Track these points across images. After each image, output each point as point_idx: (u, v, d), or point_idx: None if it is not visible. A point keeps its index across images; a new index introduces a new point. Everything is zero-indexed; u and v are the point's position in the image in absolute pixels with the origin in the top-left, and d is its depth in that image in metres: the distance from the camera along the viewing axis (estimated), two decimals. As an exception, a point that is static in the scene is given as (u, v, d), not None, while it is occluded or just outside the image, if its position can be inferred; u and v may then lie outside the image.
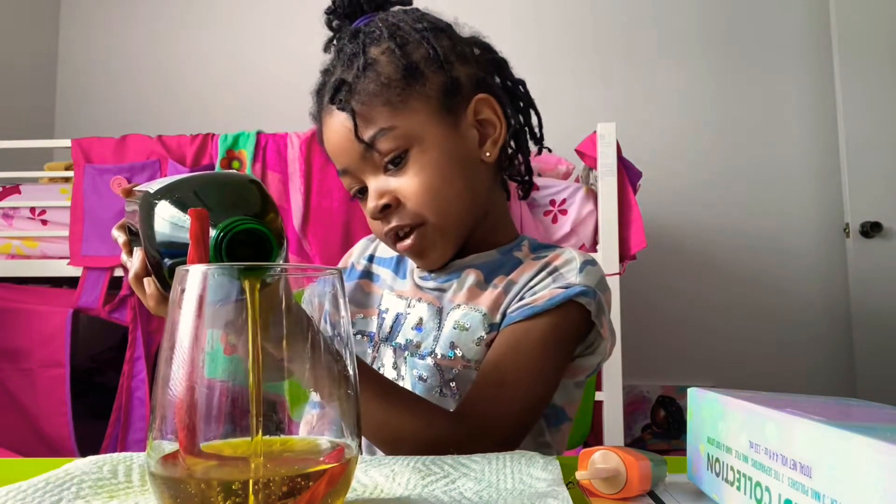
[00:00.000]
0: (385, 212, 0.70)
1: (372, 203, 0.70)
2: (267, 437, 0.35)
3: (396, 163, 0.69)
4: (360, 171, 0.71)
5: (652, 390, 2.43)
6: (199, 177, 0.49)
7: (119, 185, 1.83)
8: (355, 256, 0.89)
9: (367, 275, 0.85)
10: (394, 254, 0.84)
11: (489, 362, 0.67)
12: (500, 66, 0.79)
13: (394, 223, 0.71)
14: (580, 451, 0.44)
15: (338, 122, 0.71)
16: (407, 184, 0.69)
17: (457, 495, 0.41)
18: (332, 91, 0.70)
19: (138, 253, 0.53)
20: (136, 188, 0.52)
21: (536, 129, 0.80)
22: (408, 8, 0.76)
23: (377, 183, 0.71)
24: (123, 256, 0.57)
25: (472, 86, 0.73)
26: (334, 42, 0.77)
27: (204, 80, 2.73)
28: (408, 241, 0.71)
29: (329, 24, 0.78)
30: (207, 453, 0.34)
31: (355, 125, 0.68)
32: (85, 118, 2.71)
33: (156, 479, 0.34)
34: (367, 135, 0.68)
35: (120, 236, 0.57)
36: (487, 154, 0.74)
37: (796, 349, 2.47)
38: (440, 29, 0.74)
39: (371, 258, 0.87)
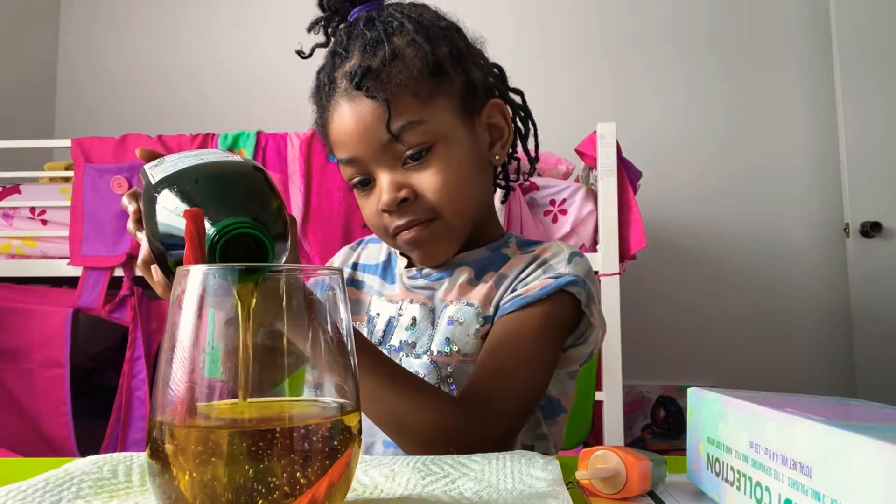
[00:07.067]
0: (401, 206, 0.69)
1: (389, 196, 0.68)
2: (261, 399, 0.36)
3: (417, 157, 0.68)
4: (374, 163, 0.69)
5: (652, 390, 2.43)
6: (202, 166, 0.48)
7: (119, 186, 1.83)
8: (337, 265, 0.88)
9: (353, 282, 0.85)
10: (379, 260, 0.84)
11: (487, 352, 0.68)
12: (501, 73, 0.80)
13: (407, 217, 0.70)
14: (580, 451, 0.44)
15: (362, 109, 0.68)
16: (429, 179, 0.68)
17: (457, 495, 0.41)
18: (359, 76, 0.67)
19: (146, 238, 0.52)
20: (146, 167, 0.50)
21: (532, 139, 0.81)
22: (417, 3, 0.75)
23: (393, 176, 0.69)
24: (130, 225, 0.55)
25: (484, 89, 0.75)
26: (323, 23, 0.75)
27: (204, 80, 2.72)
28: (414, 232, 0.70)
29: (324, 5, 0.74)
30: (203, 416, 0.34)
31: (389, 114, 0.66)
32: (85, 118, 2.70)
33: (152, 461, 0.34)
34: (395, 126, 0.67)
35: (130, 205, 0.55)
36: (497, 157, 0.76)
37: (796, 349, 2.47)
38: (457, 29, 0.75)
39: (355, 266, 0.86)
